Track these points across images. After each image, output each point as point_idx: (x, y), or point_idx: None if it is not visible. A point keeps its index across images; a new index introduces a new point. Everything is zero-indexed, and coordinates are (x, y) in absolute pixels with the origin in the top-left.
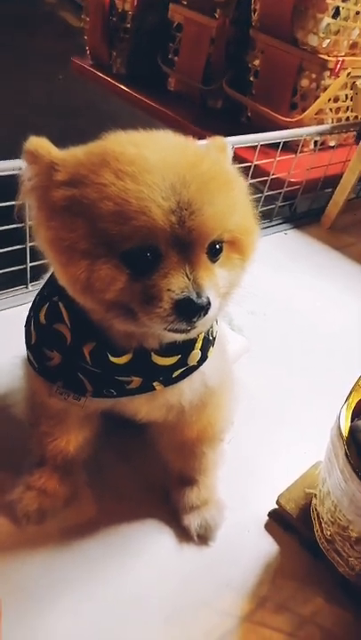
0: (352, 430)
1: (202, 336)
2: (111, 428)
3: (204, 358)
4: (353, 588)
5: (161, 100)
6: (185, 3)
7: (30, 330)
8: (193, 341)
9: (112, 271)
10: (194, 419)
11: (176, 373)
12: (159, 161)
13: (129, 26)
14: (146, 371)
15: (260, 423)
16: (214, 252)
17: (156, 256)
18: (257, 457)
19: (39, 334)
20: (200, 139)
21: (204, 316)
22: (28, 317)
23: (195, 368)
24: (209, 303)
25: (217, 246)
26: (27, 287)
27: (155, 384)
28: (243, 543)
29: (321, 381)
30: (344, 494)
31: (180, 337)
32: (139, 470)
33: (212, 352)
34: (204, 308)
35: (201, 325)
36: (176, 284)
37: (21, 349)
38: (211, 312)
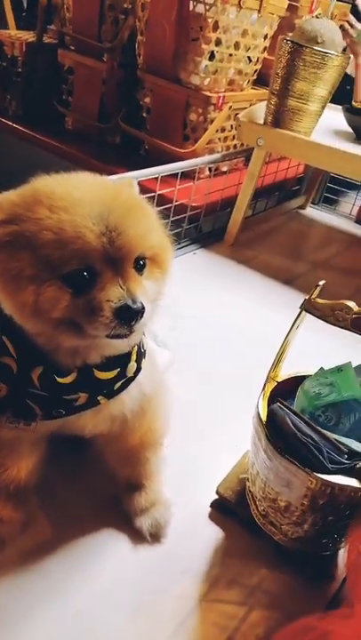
0: (269, 414)
1: (135, 349)
2: (54, 449)
3: (138, 369)
4: (289, 553)
5: (61, 138)
6: (73, 48)
7: None
8: (129, 354)
9: (56, 292)
10: (136, 426)
11: (117, 386)
12: (86, 195)
13: (20, 70)
14: (91, 386)
15: (192, 426)
16: (139, 267)
17: (93, 274)
18: (194, 456)
19: None
20: (104, 173)
21: (141, 319)
22: None
23: (132, 379)
24: (143, 307)
25: (141, 262)
26: None
27: (99, 398)
28: (191, 534)
29: (240, 383)
30: (270, 470)
31: (121, 344)
32: (86, 484)
33: (144, 363)
34: (140, 312)
35: (138, 329)
36: (113, 295)
37: None
38: (145, 316)
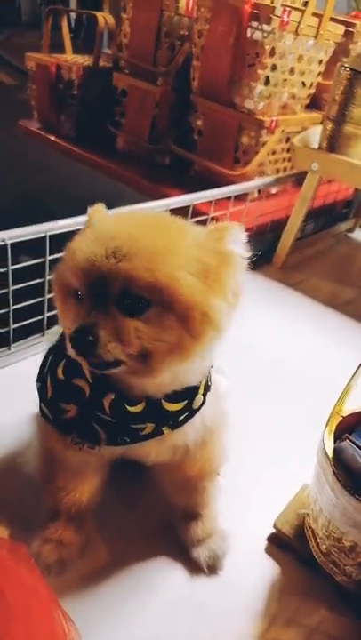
0: (336, 451)
1: (203, 382)
2: (112, 474)
3: (203, 402)
4: (351, 595)
5: (111, 158)
6: (127, 72)
7: (46, 385)
8: (197, 387)
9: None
10: (197, 456)
11: (181, 417)
12: (113, 228)
13: (76, 92)
14: (158, 417)
15: (247, 455)
16: (142, 306)
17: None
18: (249, 488)
19: (55, 389)
20: (152, 193)
21: (92, 357)
22: (41, 373)
23: (196, 411)
24: (91, 346)
25: (140, 305)
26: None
27: (163, 429)
28: (247, 568)
29: (295, 409)
30: (336, 509)
31: (147, 384)
32: (143, 511)
33: (209, 396)
34: (90, 351)
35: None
36: (75, 322)
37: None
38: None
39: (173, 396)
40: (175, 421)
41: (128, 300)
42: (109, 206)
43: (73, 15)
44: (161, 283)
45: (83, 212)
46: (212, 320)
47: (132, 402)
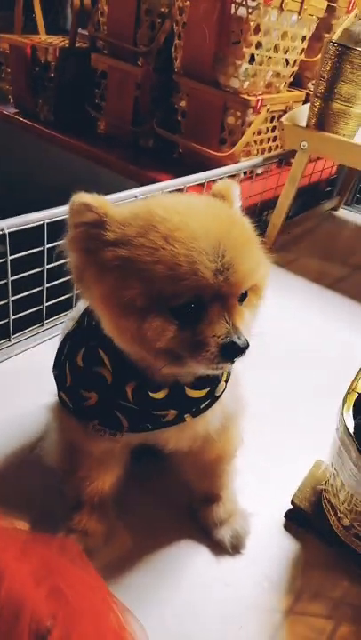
0: (358, 427)
1: (227, 369)
2: (131, 461)
3: (224, 389)
4: None
5: (93, 142)
6: (106, 52)
7: (64, 373)
8: (220, 375)
9: (163, 323)
10: (216, 443)
11: (203, 404)
12: (202, 228)
13: (53, 75)
14: (181, 403)
15: (258, 435)
16: (242, 298)
17: (200, 307)
18: (264, 467)
19: (75, 377)
20: (138, 176)
21: (243, 355)
22: (58, 361)
23: (217, 398)
24: (248, 344)
25: (244, 292)
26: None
27: (185, 416)
28: (268, 545)
29: (301, 388)
30: (359, 484)
31: (215, 372)
32: (162, 496)
33: (229, 382)
34: (245, 349)
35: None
36: (220, 331)
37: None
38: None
39: (197, 383)
40: (197, 408)
41: (241, 295)
42: (95, 192)
43: None
44: (262, 279)
45: (66, 199)
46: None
47: (155, 388)
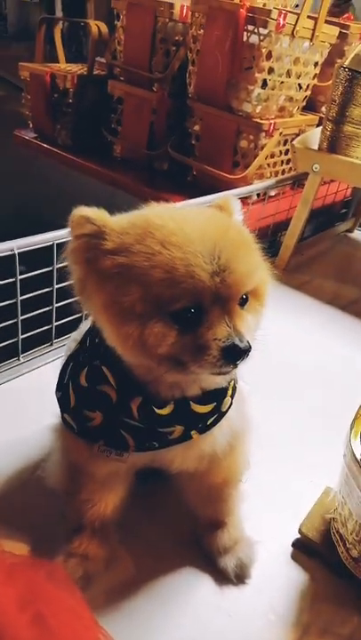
0: None
1: (232, 384)
2: (134, 485)
3: (231, 404)
4: None
5: (109, 166)
6: (122, 79)
7: (68, 394)
8: (225, 389)
9: (163, 329)
10: (223, 464)
11: (210, 420)
12: (197, 231)
13: (71, 101)
14: (187, 419)
15: (267, 459)
16: (243, 302)
17: (200, 311)
18: (271, 491)
19: (79, 397)
20: (152, 199)
21: (246, 357)
22: (61, 383)
23: (224, 414)
24: (250, 346)
25: (244, 296)
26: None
27: (192, 432)
28: (274, 575)
29: (312, 412)
30: None
31: (221, 380)
32: (166, 522)
33: (235, 398)
34: (247, 351)
35: (240, 366)
36: (221, 334)
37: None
38: (250, 353)
39: (202, 398)
40: (204, 424)
41: (241, 298)
42: (110, 214)
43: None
44: (262, 284)
45: None
46: (268, 292)
47: (161, 404)
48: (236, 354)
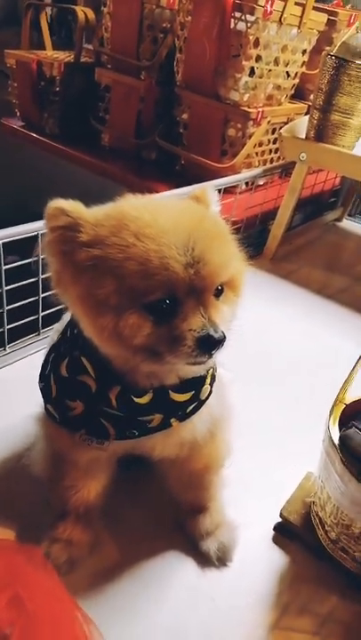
0: (342, 439)
1: (210, 372)
2: (117, 471)
3: (210, 392)
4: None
5: (97, 155)
6: (110, 67)
7: (50, 384)
8: (204, 378)
9: (138, 320)
10: (204, 451)
11: (189, 408)
12: (170, 224)
13: (58, 89)
14: (166, 407)
15: (249, 445)
16: (218, 293)
17: (174, 303)
18: (252, 478)
19: (60, 387)
20: (140, 188)
21: (221, 347)
22: (43, 374)
23: (203, 402)
24: (225, 336)
25: (219, 287)
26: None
27: (172, 420)
28: (256, 558)
29: (295, 399)
30: (344, 496)
31: (197, 369)
32: (149, 507)
33: (215, 386)
34: (221, 341)
35: (216, 356)
36: (196, 324)
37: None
38: (225, 343)
39: (180, 387)
40: (183, 412)
41: (216, 289)
42: (97, 203)
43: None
44: (238, 275)
45: None
46: (243, 282)
47: (139, 393)
48: (210, 344)
